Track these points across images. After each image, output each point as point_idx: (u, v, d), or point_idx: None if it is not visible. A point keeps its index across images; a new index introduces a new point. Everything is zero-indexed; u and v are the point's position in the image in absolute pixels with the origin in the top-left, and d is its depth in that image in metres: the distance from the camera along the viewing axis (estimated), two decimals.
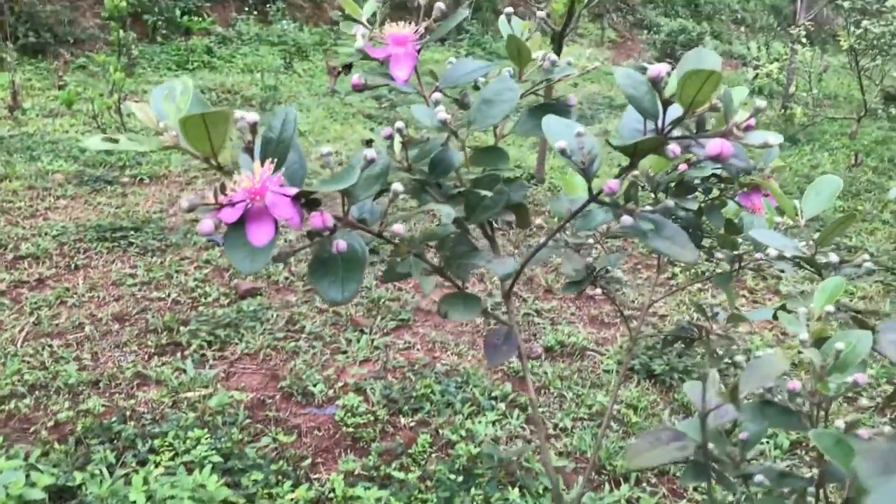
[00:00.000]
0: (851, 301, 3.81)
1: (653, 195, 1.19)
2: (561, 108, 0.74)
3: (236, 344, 3.00)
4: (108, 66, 5.50)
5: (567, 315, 3.51)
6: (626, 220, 0.60)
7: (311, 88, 7.39)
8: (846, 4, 6.89)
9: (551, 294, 3.72)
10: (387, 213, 0.60)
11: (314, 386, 2.69)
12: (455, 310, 0.64)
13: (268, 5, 8.62)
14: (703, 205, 1.24)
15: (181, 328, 3.07)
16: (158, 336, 3.02)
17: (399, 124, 0.67)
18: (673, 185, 1.20)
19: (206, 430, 2.40)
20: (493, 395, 2.75)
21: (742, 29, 11.27)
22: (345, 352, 2.97)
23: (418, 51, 0.72)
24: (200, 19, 8.04)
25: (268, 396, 2.67)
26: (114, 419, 2.43)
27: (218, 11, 8.34)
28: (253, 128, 0.54)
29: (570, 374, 2.98)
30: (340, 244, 0.55)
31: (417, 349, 3.07)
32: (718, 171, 1.24)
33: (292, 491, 2.12)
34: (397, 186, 0.58)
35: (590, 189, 0.61)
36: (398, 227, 0.60)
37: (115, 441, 2.33)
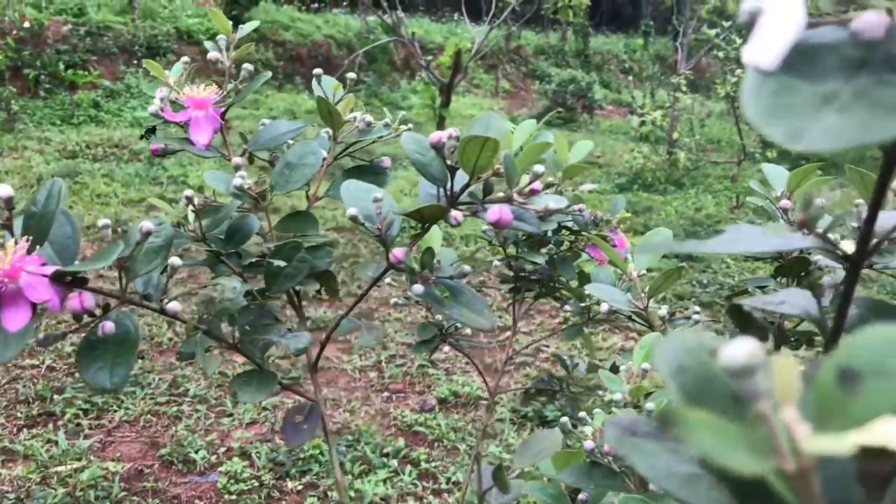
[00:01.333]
0: None
1: (502, 250, 1.18)
2: (376, 170, 0.73)
3: (115, 411, 2.85)
4: None
5: (461, 364, 3.49)
6: (417, 288, 0.58)
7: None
8: (721, 54, 7.27)
9: (444, 344, 3.70)
10: (167, 289, 0.56)
11: (196, 452, 2.57)
12: (246, 390, 0.60)
13: (157, 58, 8.46)
14: (555, 256, 1.24)
15: (55, 396, 2.90)
16: (30, 406, 2.84)
17: (188, 192, 0.64)
18: (523, 237, 1.20)
19: None
20: (384, 451, 2.69)
21: (630, 78, 11.75)
22: (230, 415, 2.86)
23: (223, 113, 0.69)
24: (86, 73, 7.81)
25: (146, 466, 2.53)
26: None
27: (105, 65, 8.13)
28: (8, 203, 0.50)
29: (463, 424, 2.95)
30: (107, 326, 0.51)
31: None
32: (570, 224, 1.25)
33: None
34: (175, 261, 0.55)
35: (387, 256, 0.59)
36: (173, 305, 0.56)
37: None
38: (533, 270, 1.24)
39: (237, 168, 0.65)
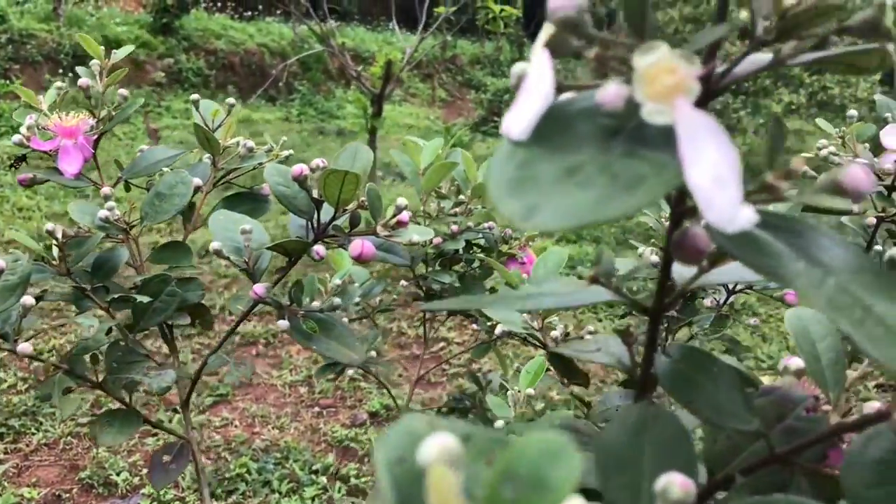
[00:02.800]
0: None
1: (411, 271, 1.18)
2: (256, 198, 0.71)
3: (32, 434, 2.75)
4: None
5: (394, 377, 3.47)
6: (282, 324, 0.57)
7: (130, 153, 7.07)
8: None
9: (380, 356, 3.67)
10: (20, 329, 0.54)
11: (118, 475, 2.50)
12: (107, 432, 0.58)
13: (84, 66, 8.24)
14: (467, 274, 1.24)
15: None
16: None
17: (49, 226, 0.61)
18: (432, 256, 1.20)
19: None
20: (314, 468, 2.66)
21: None
22: (155, 434, 2.79)
23: (96, 141, 0.67)
24: (8, 82, 7.57)
25: (64, 490, 2.45)
26: None
27: (28, 73, 7.89)
28: None
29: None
30: None
31: (235, 425, 2.93)
32: (481, 241, 1.25)
33: None
34: (27, 300, 0.53)
35: (255, 290, 0.58)
36: (24, 347, 0.53)
37: None
38: (442, 289, 1.24)
39: (106, 198, 0.63)
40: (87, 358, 0.59)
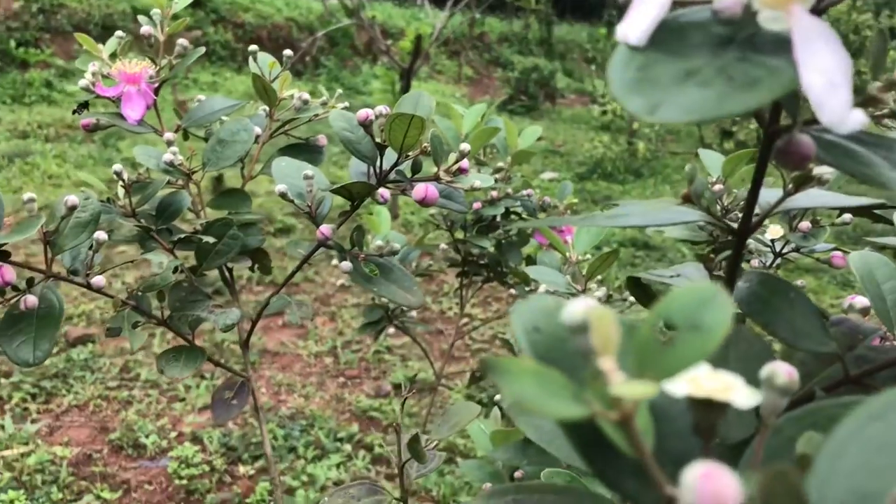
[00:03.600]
0: None
1: (449, 233, 1.19)
2: (312, 149, 0.72)
3: (63, 395, 2.81)
4: None
5: (418, 351, 3.49)
6: (345, 265, 0.58)
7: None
8: None
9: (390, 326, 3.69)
10: (92, 264, 0.56)
11: (146, 437, 2.54)
12: (173, 365, 0.60)
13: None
14: (503, 241, 1.25)
15: (2, 381, 2.84)
16: None
17: (117, 167, 0.63)
18: (471, 222, 1.20)
19: (22, 490, 2.22)
20: (338, 436, 2.69)
21: (592, 67, 11.80)
22: (182, 399, 2.84)
23: (157, 89, 0.69)
24: (39, 51, 7.63)
25: (95, 451, 2.50)
26: None
27: (58, 43, 7.94)
28: None
29: (418, 409, 2.96)
30: (29, 300, 0.50)
31: (262, 393, 2.96)
32: (518, 209, 1.26)
33: None
34: (100, 235, 0.54)
35: (317, 235, 0.60)
36: (98, 280, 0.55)
37: None
38: (480, 255, 1.25)
39: (168, 143, 0.64)
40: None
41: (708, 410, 0.17)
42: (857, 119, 0.21)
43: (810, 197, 0.29)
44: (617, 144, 7.71)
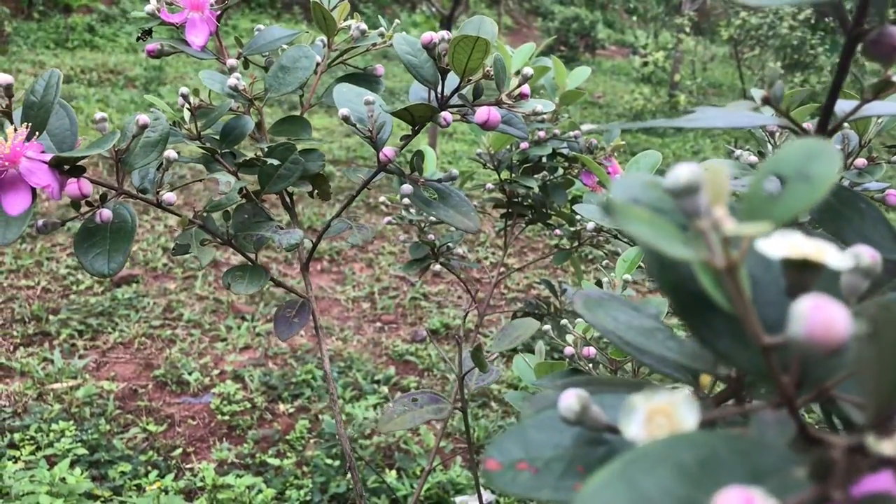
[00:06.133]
0: None
1: (496, 173, 1.19)
2: (370, 78, 0.73)
3: (109, 333, 2.89)
4: None
5: (453, 298, 3.52)
6: (406, 188, 0.59)
7: (199, 68, 7.13)
8: None
9: (439, 278, 3.73)
10: (162, 182, 0.58)
11: (189, 374, 2.62)
12: (238, 282, 0.62)
13: None
14: (548, 182, 1.25)
15: (51, 317, 2.93)
16: (25, 326, 2.87)
17: (183, 90, 0.64)
18: (517, 162, 1.21)
19: (71, 422, 2.30)
20: (375, 378, 2.74)
21: (634, 18, 11.55)
22: (224, 339, 2.90)
23: (219, 16, 0.70)
24: None
25: (140, 386, 2.58)
26: None
27: None
28: (7, 90, 0.51)
29: (453, 355, 2.99)
30: (104, 213, 0.52)
31: (300, 335, 3.02)
32: (564, 150, 1.25)
33: (159, 480, 2.06)
34: (170, 154, 0.56)
35: (378, 158, 0.61)
36: (169, 196, 0.57)
37: None
38: (525, 195, 1.25)
39: (232, 69, 0.65)
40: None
41: (802, 272, 0.18)
42: None
43: (887, 105, 0.30)
44: (657, 96, 7.59)
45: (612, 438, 0.23)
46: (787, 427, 0.18)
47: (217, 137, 0.66)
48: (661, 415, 0.18)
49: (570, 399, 0.23)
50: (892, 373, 0.15)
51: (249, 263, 0.64)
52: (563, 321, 0.79)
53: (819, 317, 0.15)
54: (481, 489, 1.41)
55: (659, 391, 0.19)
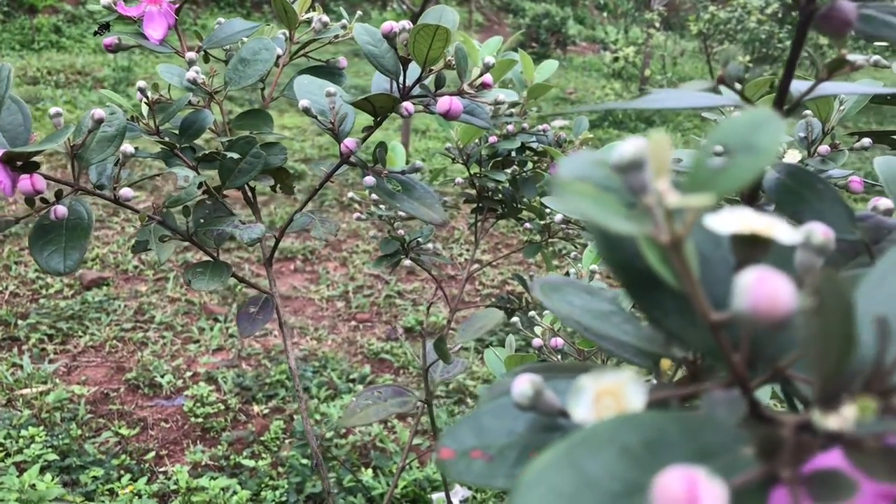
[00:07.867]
0: None
1: (465, 167, 1.19)
2: (332, 71, 0.72)
3: (80, 337, 2.85)
4: None
5: (428, 296, 3.51)
6: (369, 180, 0.59)
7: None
8: None
9: (414, 276, 3.72)
10: (119, 178, 0.56)
11: (162, 377, 2.59)
12: (199, 278, 0.61)
13: None
14: (518, 177, 1.25)
15: (19, 322, 2.89)
16: None
17: (141, 84, 0.63)
18: (486, 156, 1.20)
19: (41, 427, 2.27)
20: (351, 377, 2.73)
21: (604, 14, 11.62)
22: (196, 341, 2.88)
23: (178, 9, 0.68)
24: None
25: (112, 390, 2.55)
26: None
27: None
28: None
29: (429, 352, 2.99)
30: (59, 210, 0.51)
31: (274, 335, 3.00)
32: (533, 144, 1.25)
33: (132, 484, 2.03)
34: (127, 148, 0.55)
35: (340, 150, 0.60)
36: (126, 192, 0.56)
37: None
38: (495, 190, 1.25)
39: (191, 63, 0.64)
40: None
41: (751, 249, 0.17)
42: None
43: (843, 85, 0.30)
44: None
45: (566, 423, 0.22)
46: (737, 406, 0.17)
47: (176, 132, 0.65)
48: (608, 395, 0.18)
49: (524, 384, 0.23)
50: (836, 345, 0.15)
51: (211, 260, 0.63)
52: (532, 313, 0.78)
53: (763, 289, 0.15)
54: (456, 484, 1.40)
55: (608, 372, 0.18)
